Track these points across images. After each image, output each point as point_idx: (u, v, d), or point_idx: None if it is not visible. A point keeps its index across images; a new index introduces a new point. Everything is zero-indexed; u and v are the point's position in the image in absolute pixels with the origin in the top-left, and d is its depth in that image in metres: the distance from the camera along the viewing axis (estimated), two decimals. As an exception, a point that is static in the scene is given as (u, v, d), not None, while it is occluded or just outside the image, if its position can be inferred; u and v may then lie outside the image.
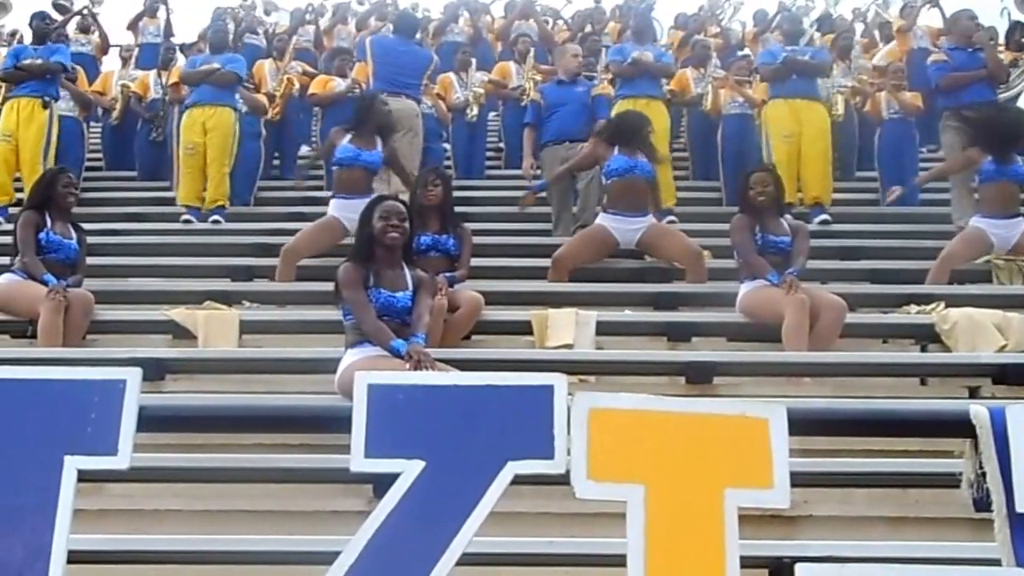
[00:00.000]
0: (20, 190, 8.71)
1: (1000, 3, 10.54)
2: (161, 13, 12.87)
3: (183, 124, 9.24)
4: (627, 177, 7.35)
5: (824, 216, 8.82)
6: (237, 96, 9.43)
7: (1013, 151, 7.44)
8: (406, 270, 5.25)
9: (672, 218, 8.84)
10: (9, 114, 9.11)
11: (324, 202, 8.16)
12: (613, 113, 8.82)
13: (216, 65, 9.25)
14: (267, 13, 14.92)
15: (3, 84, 9.59)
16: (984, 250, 7.40)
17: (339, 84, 10.26)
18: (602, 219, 7.49)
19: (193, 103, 9.24)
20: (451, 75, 10.73)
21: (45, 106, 9.07)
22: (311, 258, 7.46)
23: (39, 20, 9.59)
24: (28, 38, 10.20)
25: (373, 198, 5.65)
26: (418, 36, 10.54)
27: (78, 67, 10.39)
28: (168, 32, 12.67)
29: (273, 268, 7.47)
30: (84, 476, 1.79)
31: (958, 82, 8.61)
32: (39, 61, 9.16)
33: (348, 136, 7.64)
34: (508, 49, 12.14)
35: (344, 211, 7.26)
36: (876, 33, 13.11)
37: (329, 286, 7.26)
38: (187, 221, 8.98)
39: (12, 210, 8.69)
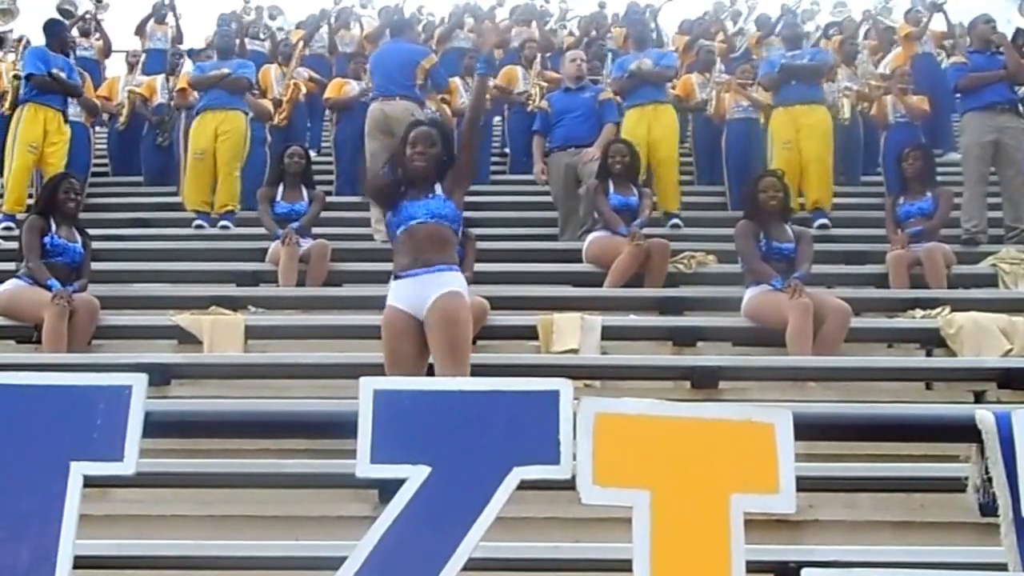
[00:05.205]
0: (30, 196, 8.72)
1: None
2: (170, 19, 12.91)
3: (193, 128, 9.24)
4: None
5: (824, 220, 8.82)
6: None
7: None
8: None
9: (676, 222, 8.85)
10: (35, 124, 8.97)
11: (327, 207, 8.23)
12: (623, 123, 8.90)
13: (227, 70, 9.26)
14: (272, 17, 14.92)
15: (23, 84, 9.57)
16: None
17: (353, 87, 10.26)
18: None
19: (205, 107, 9.24)
20: (457, 80, 10.72)
21: (66, 120, 9.16)
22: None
23: (60, 28, 9.58)
24: (35, 43, 10.19)
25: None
26: (416, 33, 10.45)
27: (84, 72, 10.38)
28: (179, 38, 12.70)
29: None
30: (90, 482, 1.79)
31: (975, 83, 8.63)
32: (63, 75, 9.14)
33: None
34: (513, 54, 12.12)
35: None
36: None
37: (328, 290, 7.32)
38: (199, 227, 9.02)
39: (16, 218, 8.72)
